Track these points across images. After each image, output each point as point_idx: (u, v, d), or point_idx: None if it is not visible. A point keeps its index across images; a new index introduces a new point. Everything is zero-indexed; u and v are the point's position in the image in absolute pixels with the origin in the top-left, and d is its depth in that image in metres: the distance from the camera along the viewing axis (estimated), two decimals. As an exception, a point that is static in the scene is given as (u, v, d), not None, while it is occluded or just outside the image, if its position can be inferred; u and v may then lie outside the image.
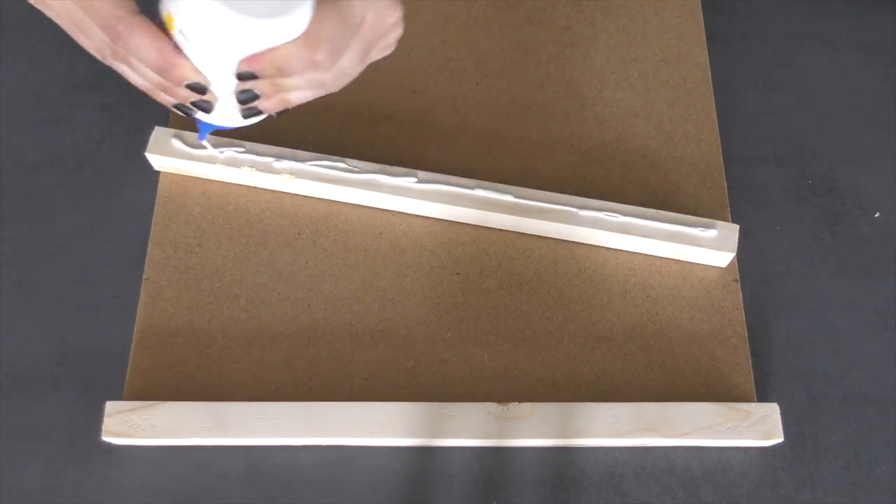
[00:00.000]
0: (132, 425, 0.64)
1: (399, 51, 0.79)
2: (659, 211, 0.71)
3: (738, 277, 0.71)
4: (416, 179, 0.71)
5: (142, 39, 0.48)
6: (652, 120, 0.77)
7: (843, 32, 0.83)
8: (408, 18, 0.81)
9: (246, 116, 0.54)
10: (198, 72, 0.49)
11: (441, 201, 0.71)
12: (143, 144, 0.73)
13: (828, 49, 0.79)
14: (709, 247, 0.70)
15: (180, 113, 0.53)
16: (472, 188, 0.71)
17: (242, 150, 0.72)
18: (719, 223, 0.71)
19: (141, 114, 0.77)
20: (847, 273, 0.73)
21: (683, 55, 0.80)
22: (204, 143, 0.71)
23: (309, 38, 0.49)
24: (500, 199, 0.71)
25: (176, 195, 0.73)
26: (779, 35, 0.82)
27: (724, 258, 0.70)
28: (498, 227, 0.72)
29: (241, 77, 0.50)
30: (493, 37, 0.81)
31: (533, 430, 0.64)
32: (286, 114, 0.57)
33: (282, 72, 0.50)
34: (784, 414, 0.66)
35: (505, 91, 0.79)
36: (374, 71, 0.79)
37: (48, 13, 0.51)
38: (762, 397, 0.68)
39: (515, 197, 0.71)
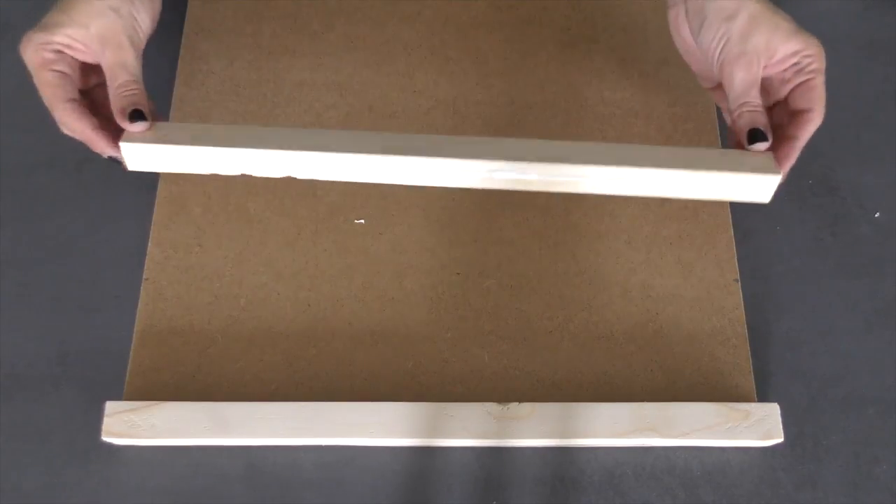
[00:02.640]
0: (132, 425, 0.64)
1: (399, 51, 0.80)
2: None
3: (738, 277, 0.71)
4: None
5: (68, 124, 0.64)
6: (652, 120, 0.77)
7: (843, 32, 0.83)
8: (408, 19, 0.82)
9: None
10: (114, 148, 0.64)
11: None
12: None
13: (828, 49, 0.79)
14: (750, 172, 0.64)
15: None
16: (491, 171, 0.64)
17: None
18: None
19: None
20: (847, 273, 0.73)
21: (684, 55, 0.80)
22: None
23: None
24: (523, 179, 0.64)
25: (176, 195, 0.73)
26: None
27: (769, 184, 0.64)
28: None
29: None
30: (493, 37, 0.81)
31: (533, 430, 0.64)
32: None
33: None
34: (784, 414, 0.66)
35: (505, 91, 0.79)
36: (373, 71, 0.79)
37: None
38: (762, 397, 0.68)
39: (540, 175, 0.63)
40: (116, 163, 0.66)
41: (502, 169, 0.62)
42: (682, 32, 0.67)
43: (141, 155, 0.63)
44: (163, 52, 0.80)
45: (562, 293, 0.71)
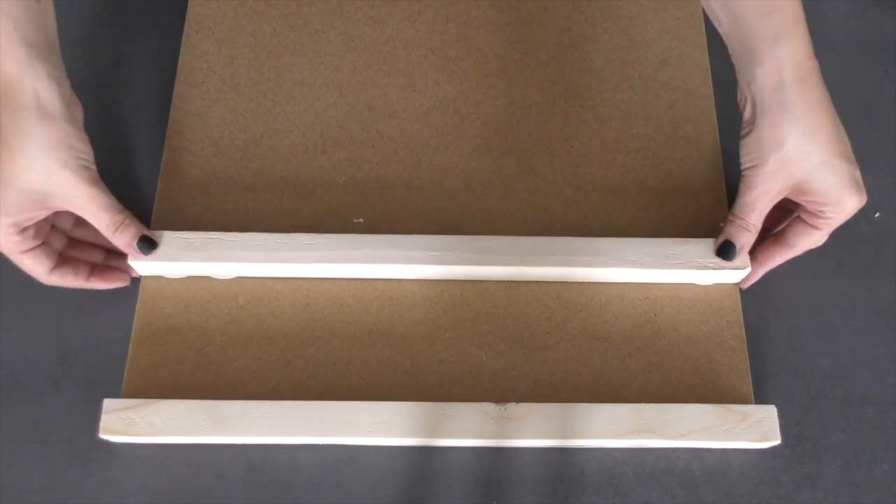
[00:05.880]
0: (130, 423, 0.64)
1: (399, 50, 0.80)
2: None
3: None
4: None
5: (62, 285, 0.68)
6: (652, 121, 0.77)
7: (843, 32, 0.82)
8: (408, 18, 0.82)
9: None
10: (119, 280, 0.71)
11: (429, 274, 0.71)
12: (142, 145, 0.73)
13: (828, 49, 0.79)
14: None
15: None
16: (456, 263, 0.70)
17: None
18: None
19: (140, 114, 0.77)
20: (847, 273, 0.73)
21: (684, 57, 0.80)
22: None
23: None
24: (489, 273, 0.71)
25: (175, 195, 0.73)
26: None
27: (738, 274, 0.70)
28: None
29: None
30: (493, 37, 0.81)
31: (530, 430, 0.64)
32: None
33: None
34: (784, 414, 0.66)
35: (505, 91, 0.79)
36: (374, 71, 0.79)
37: None
38: (762, 397, 0.68)
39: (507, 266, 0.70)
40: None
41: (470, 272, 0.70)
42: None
43: (150, 267, 0.69)
44: (163, 50, 0.80)
45: (560, 294, 0.70)
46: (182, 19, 0.81)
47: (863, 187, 0.63)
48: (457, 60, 0.80)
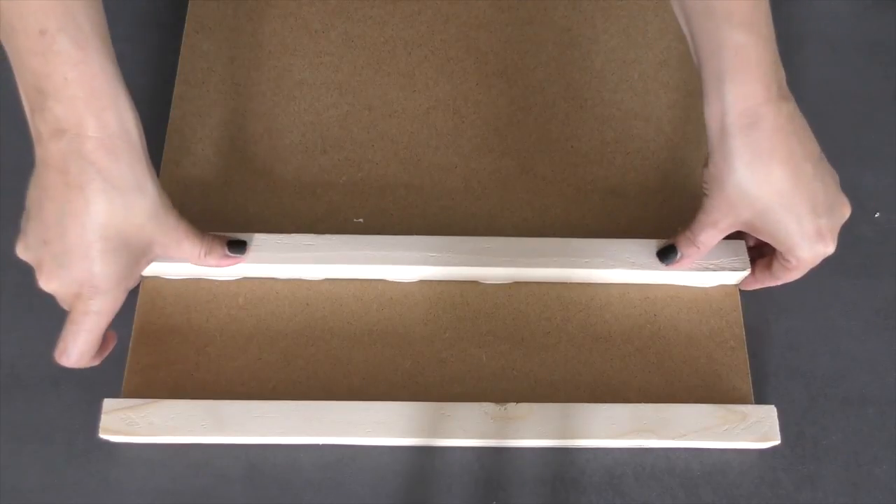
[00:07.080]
0: (130, 423, 0.64)
1: (399, 50, 0.80)
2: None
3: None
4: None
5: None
6: (652, 121, 0.77)
7: (843, 32, 0.82)
8: (408, 18, 0.82)
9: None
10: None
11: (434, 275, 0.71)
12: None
13: (828, 49, 0.79)
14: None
15: None
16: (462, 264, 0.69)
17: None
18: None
19: (140, 114, 0.77)
20: (847, 273, 0.73)
21: (684, 57, 0.80)
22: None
23: None
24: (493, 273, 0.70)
25: (175, 194, 0.73)
26: (779, 35, 0.82)
27: (737, 276, 0.70)
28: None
29: None
30: (493, 37, 0.81)
31: (530, 430, 0.64)
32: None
33: None
34: (784, 414, 0.66)
35: (505, 91, 0.79)
36: (374, 71, 0.79)
37: None
38: (762, 397, 0.68)
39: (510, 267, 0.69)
40: None
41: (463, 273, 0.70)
42: None
43: (150, 268, 0.68)
44: (163, 50, 0.80)
45: (560, 294, 0.70)
46: (182, 19, 0.81)
47: (827, 237, 0.60)
48: (457, 60, 0.80)
